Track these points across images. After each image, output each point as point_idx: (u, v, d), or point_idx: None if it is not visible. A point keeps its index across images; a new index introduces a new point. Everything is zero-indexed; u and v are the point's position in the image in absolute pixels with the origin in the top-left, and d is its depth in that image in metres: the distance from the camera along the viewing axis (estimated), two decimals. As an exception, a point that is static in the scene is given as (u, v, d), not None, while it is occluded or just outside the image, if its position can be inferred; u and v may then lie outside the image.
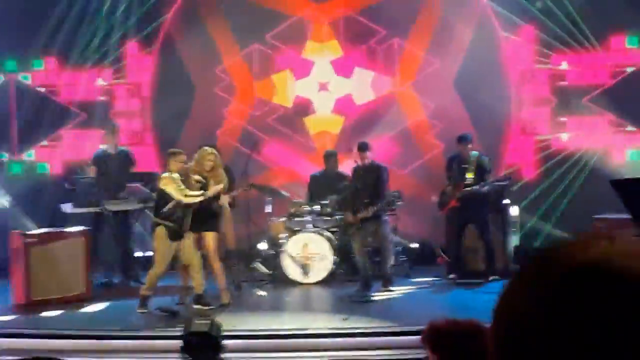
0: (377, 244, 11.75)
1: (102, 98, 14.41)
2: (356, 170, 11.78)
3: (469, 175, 12.05)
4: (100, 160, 12.61)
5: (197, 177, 10.70)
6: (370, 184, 11.56)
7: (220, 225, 11.20)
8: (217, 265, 10.92)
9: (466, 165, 12.09)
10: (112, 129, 12.80)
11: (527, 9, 13.27)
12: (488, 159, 12.31)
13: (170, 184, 10.52)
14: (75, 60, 14.21)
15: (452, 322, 3.27)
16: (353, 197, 11.63)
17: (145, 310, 10.56)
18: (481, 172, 12.08)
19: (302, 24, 14.13)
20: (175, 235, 10.57)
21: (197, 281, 10.68)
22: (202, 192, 10.54)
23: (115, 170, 12.43)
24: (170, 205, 10.43)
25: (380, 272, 11.69)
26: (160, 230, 10.51)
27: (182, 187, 10.50)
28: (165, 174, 10.65)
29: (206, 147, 11.01)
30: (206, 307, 10.57)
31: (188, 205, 10.51)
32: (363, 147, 11.71)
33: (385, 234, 11.66)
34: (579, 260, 1.25)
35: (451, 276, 12.24)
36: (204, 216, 10.77)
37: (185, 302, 10.88)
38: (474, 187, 11.95)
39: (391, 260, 11.83)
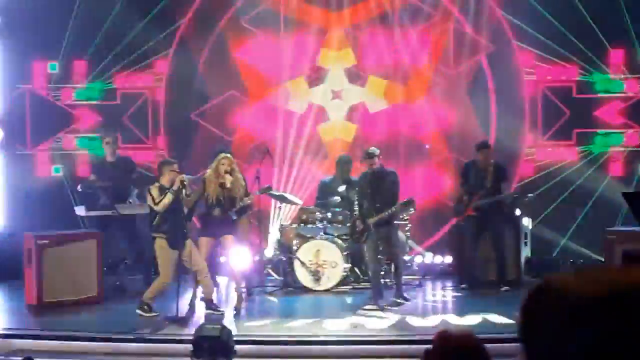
0: (388, 252, 11.69)
1: (116, 102, 14.43)
2: (365, 176, 11.61)
3: (488, 184, 12.02)
4: (101, 168, 12.75)
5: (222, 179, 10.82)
6: (383, 188, 11.38)
7: (238, 229, 11.27)
8: (235, 270, 10.96)
9: (484, 174, 12.05)
10: (110, 139, 12.85)
11: (543, 21, 13.25)
12: (506, 168, 12.29)
13: (149, 196, 10.63)
14: (95, 63, 14.27)
15: (444, 338, 3.30)
16: (361, 203, 11.57)
17: (145, 315, 10.61)
18: (498, 181, 12.04)
19: (317, 31, 14.17)
20: (175, 244, 10.60)
21: (206, 285, 10.73)
22: (169, 191, 10.54)
23: (117, 177, 12.55)
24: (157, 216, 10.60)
25: (393, 280, 11.68)
26: (160, 241, 10.59)
27: (159, 196, 10.54)
28: (152, 187, 10.74)
29: (222, 153, 11.09)
30: (217, 312, 10.61)
31: (170, 208, 10.59)
32: (367, 156, 11.48)
33: (395, 242, 11.56)
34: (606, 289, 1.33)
35: (463, 286, 12.24)
36: (223, 220, 10.87)
37: (194, 305, 10.93)
38: (496, 196, 11.91)
39: (403, 268, 11.80)
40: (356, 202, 11.53)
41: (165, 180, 10.68)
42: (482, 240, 12.19)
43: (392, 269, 11.74)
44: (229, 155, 11.04)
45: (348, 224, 12.12)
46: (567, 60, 13.34)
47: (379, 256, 11.50)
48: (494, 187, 12.00)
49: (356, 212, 11.48)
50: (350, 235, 11.73)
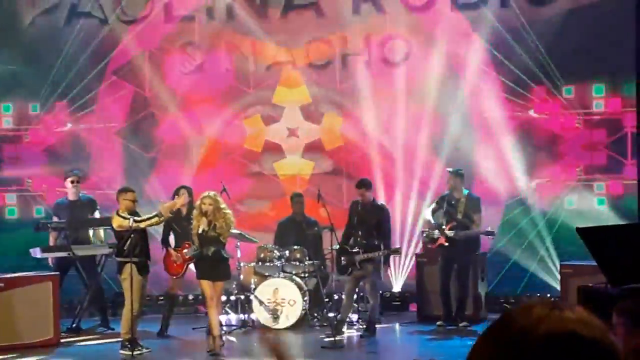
0: (368, 290, 11.71)
1: (72, 140, 14.38)
2: (354, 205, 11.73)
3: (459, 216, 11.94)
4: (63, 208, 12.64)
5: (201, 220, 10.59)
6: (370, 224, 11.53)
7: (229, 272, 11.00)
8: (216, 312, 10.72)
9: (456, 204, 11.95)
10: (76, 178, 12.76)
11: (494, 57, 13.41)
12: (479, 199, 12.15)
13: (118, 221, 10.57)
14: (44, 102, 14.22)
15: None
16: (348, 235, 11.68)
17: (129, 353, 10.43)
18: (471, 212, 11.94)
19: (274, 70, 14.25)
20: (144, 269, 10.64)
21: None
22: (155, 214, 10.58)
23: (79, 217, 12.48)
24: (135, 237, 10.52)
25: (367, 318, 11.69)
26: (128, 268, 10.50)
27: (128, 218, 10.49)
28: (114, 214, 10.72)
29: (206, 192, 10.91)
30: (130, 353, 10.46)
31: (147, 226, 10.64)
32: (360, 185, 11.65)
33: (374, 282, 11.59)
34: (546, 330, 1.40)
35: (438, 323, 12.03)
36: (218, 263, 10.61)
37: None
38: (470, 231, 11.85)
39: (377, 308, 11.77)
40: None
41: (122, 209, 10.65)
42: (436, 273, 12.19)
43: (369, 308, 11.78)
44: (210, 194, 10.70)
45: (311, 262, 12.21)
46: (522, 97, 13.48)
47: (354, 293, 11.71)
48: (465, 218, 11.92)
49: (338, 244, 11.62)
50: (337, 266, 11.77)
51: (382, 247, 11.53)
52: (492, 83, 13.52)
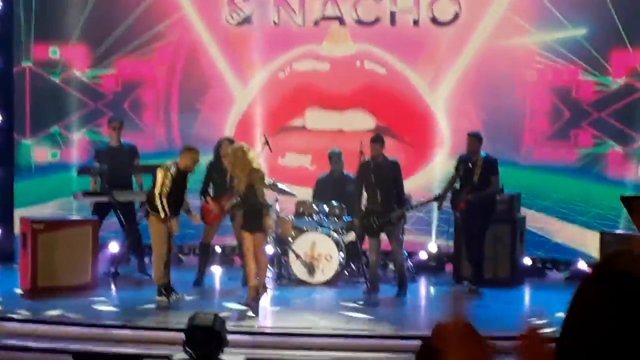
0: (393, 247, 11.65)
1: (118, 89, 14.41)
2: (366, 164, 11.58)
3: (475, 178, 11.83)
4: (104, 154, 12.74)
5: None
6: (388, 181, 11.47)
7: (266, 224, 10.85)
8: (253, 263, 10.61)
9: (473, 167, 11.83)
10: (117, 124, 12.84)
11: (550, 21, 13.19)
12: (496, 161, 11.96)
13: (161, 179, 10.55)
14: (97, 49, 14.27)
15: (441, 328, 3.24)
16: (361, 195, 11.64)
17: (163, 299, 10.54)
18: (487, 175, 11.80)
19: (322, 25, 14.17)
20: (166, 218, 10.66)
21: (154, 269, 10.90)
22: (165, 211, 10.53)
23: (120, 163, 12.57)
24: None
25: (398, 277, 11.66)
26: (152, 217, 10.64)
27: (168, 184, 10.49)
28: (164, 165, 10.72)
29: (238, 144, 10.97)
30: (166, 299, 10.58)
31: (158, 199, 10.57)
32: (378, 140, 11.60)
33: (399, 239, 11.63)
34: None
35: (465, 283, 12.03)
36: (253, 215, 10.57)
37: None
38: (482, 192, 11.73)
39: (405, 264, 11.76)
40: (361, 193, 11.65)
41: (182, 164, 10.66)
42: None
43: (395, 265, 11.77)
44: (234, 147, 10.75)
45: (349, 218, 12.16)
46: (574, 63, 13.24)
47: (380, 249, 11.68)
48: (481, 182, 11.77)
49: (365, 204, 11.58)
50: (365, 228, 11.65)
51: (403, 202, 11.62)
52: (545, 49, 13.32)
